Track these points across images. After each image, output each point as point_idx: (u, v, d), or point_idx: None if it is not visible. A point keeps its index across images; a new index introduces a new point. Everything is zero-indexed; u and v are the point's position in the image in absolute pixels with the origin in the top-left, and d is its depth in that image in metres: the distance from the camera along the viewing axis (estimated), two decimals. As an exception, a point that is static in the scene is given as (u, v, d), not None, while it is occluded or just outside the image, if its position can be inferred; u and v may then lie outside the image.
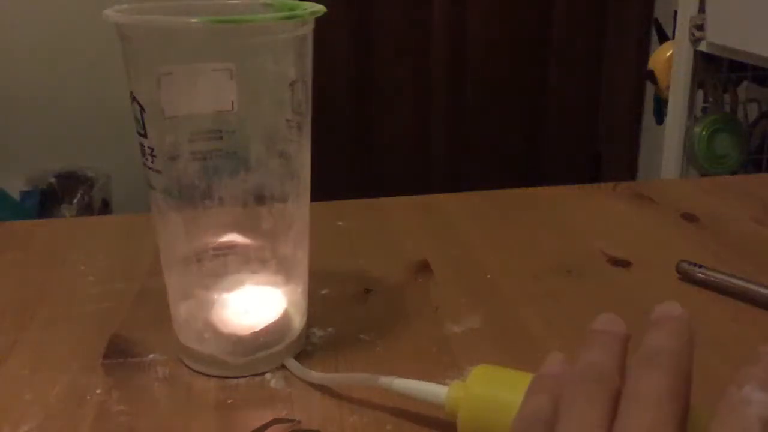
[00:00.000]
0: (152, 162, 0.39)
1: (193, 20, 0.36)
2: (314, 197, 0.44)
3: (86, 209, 1.85)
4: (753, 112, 1.48)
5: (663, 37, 1.64)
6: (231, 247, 0.41)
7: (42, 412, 0.39)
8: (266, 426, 0.37)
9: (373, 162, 2.14)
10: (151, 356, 0.44)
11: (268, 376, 0.42)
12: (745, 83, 1.46)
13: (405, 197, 0.69)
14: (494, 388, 0.34)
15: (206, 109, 0.38)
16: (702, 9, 1.29)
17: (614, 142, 2.18)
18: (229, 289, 0.42)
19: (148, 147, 0.39)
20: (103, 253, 0.58)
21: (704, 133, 1.36)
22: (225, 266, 0.42)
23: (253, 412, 0.39)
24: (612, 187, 0.71)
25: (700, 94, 1.41)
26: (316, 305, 0.47)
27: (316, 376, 0.41)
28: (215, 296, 0.42)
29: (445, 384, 0.37)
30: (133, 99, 0.38)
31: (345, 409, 0.39)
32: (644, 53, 1.97)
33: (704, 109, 1.43)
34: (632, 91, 2.08)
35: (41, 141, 1.93)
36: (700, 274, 0.52)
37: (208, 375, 0.42)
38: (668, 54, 1.45)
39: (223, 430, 0.38)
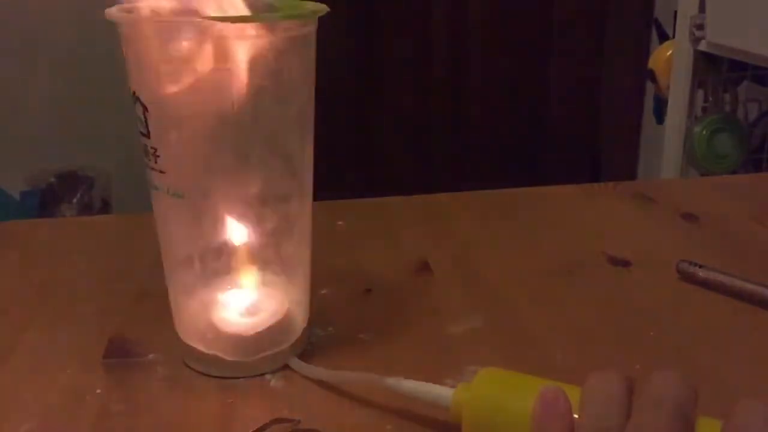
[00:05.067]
0: (155, 162, 0.39)
1: (195, 19, 0.36)
2: (314, 197, 0.44)
3: (86, 209, 1.85)
4: (753, 112, 1.48)
5: (663, 37, 1.64)
6: (233, 246, 0.41)
7: (42, 412, 0.39)
8: (266, 426, 0.37)
9: (373, 162, 2.13)
10: (151, 356, 0.44)
11: (268, 376, 0.42)
12: (745, 83, 1.46)
13: (405, 197, 0.69)
14: (500, 392, 0.34)
15: (208, 109, 0.38)
16: (702, 9, 1.29)
17: (614, 142, 2.18)
18: (231, 289, 0.42)
19: (151, 147, 0.39)
20: (103, 253, 0.58)
21: (704, 132, 1.36)
22: (227, 266, 0.42)
23: (253, 412, 0.39)
24: (612, 187, 0.71)
25: (700, 94, 1.41)
26: (316, 305, 0.47)
27: (322, 373, 0.41)
28: (218, 296, 0.42)
29: (445, 384, 0.37)
30: (136, 99, 0.38)
31: (345, 409, 0.39)
32: (644, 53, 1.97)
33: (704, 109, 1.43)
34: (632, 91, 2.08)
35: (41, 141, 1.93)
36: (700, 274, 0.52)
37: (209, 375, 0.42)
38: (668, 54, 1.45)
39: (223, 430, 0.38)
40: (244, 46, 0.37)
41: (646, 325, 0.47)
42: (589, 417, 0.30)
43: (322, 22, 0.40)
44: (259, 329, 0.42)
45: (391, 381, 0.38)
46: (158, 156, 0.39)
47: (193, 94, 0.38)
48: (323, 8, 0.39)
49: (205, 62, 0.37)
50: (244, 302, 0.42)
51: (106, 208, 1.93)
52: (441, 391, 0.36)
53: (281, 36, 0.38)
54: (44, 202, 1.85)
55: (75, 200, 1.85)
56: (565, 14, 2.10)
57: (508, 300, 0.51)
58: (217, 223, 0.41)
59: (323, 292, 0.51)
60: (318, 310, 0.47)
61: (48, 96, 1.91)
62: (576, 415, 0.31)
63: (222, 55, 0.37)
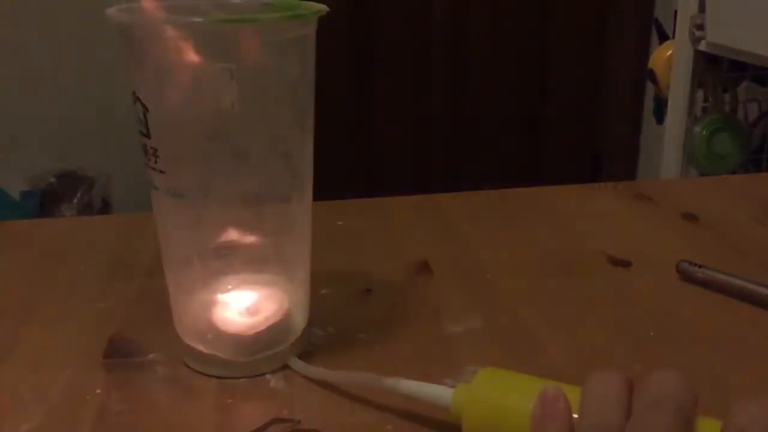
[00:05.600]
0: (155, 162, 0.39)
1: (196, 20, 0.36)
2: (314, 197, 0.44)
3: (86, 209, 1.85)
4: (753, 112, 1.48)
5: (663, 37, 1.64)
6: (233, 246, 0.41)
7: (42, 412, 0.39)
8: (266, 426, 0.38)
9: (373, 162, 2.14)
10: (151, 356, 0.44)
11: (268, 376, 0.42)
12: (745, 83, 1.46)
13: (405, 197, 0.69)
14: (500, 391, 0.34)
15: (208, 109, 0.38)
16: (702, 8, 1.29)
17: (614, 142, 2.18)
18: (231, 289, 0.42)
19: (151, 147, 0.39)
20: (103, 253, 0.58)
21: (704, 133, 1.36)
22: (227, 266, 0.42)
23: (253, 412, 0.39)
24: (612, 187, 0.71)
25: (700, 94, 1.41)
26: (317, 305, 0.47)
27: (321, 373, 0.41)
28: (218, 296, 0.42)
29: (445, 384, 0.37)
30: (136, 99, 0.38)
31: (345, 409, 0.39)
32: (644, 53, 1.97)
33: (704, 109, 1.43)
34: (632, 91, 2.08)
35: (41, 141, 1.93)
36: (700, 274, 0.52)
37: (209, 375, 0.42)
38: (668, 54, 1.45)
39: (223, 430, 0.38)
40: (244, 47, 0.37)
41: (646, 325, 0.47)
42: (589, 417, 0.30)
43: (322, 22, 0.40)
44: (259, 329, 0.42)
45: (391, 381, 0.38)
46: (158, 156, 0.39)
47: (193, 94, 0.38)
48: (323, 8, 0.39)
49: (205, 62, 0.37)
50: (244, 302, 0.42)
51: (106, 208, 1.93)
52: (441, 391, 0.36)
53: (281, 36, 0.38)
54: (44, 202, 1.85)
55: (75, 200, 1.85)
56: (565, 14, 2.10)
57: (508, 300, 0.51)
58: (217, 223, 0.41)
59: (323, 292, 0.51)
60: (318, 310, 0.47)
61: (48, 96, 1.91)
62: (576, 415, 0.31)
63: (222, 55, 0.37)
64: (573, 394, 0.32)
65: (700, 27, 1.29)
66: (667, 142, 1.42)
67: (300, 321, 0.44)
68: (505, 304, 0.50)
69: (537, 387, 0.33)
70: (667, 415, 0.29)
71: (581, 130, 2.21)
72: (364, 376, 0.39)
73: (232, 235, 0.41)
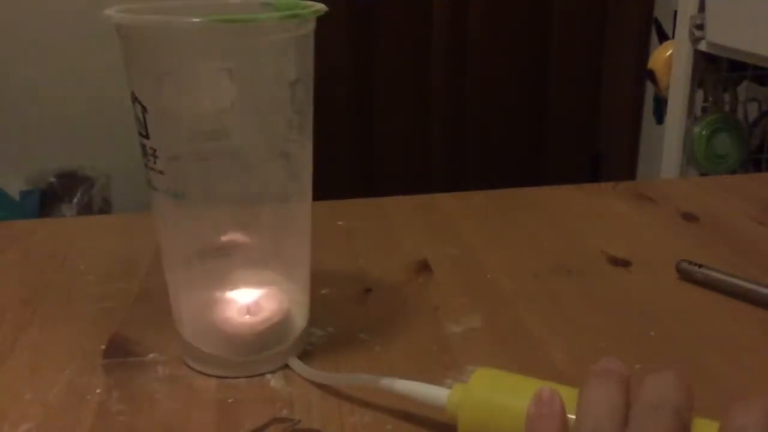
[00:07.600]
0: (154, 162, 0.39)
1: (194, 20, 0.36)
2: (314, 197, 0.44)
3: (86, 209, 1.85)
4: (753, 112, 1.48)
5: (663, 37, 1.64)
6: (233, 246, 0.41)
7: (42, 412, 0.39)
8: (266, 426, 0.38)
9: (373, 162, 2.13)
10: (151, 356, 0.44)
11: (268, 375, 0.42)
12: (745, 83, 1.46)
13: (405, 197, 0.69)
14: (496, 392, 0.34)
15: (207, 109, 0.38)
16: (702, 8, 1.29)
17: (614, 142, 2.18)
18: (231, 289, 0.42)
19: (150, 148, 0.39)
20: (103, 253, 0.58)
21: (704, 133, 1.36)
22: (227, 266, 0.42)
23: (253, 412, 0.39)
24: (612, 187, 0.71)
25: (700, 94, 1.41)
26: (316, 305, 0.47)
27: (319, 375, 0.41)
28: (218, 296, 0.42)
29: (444, 384, 0.37)
30: (135, 99, 0.38)
31: (345, 409, 0.39)
32: (644, 53, 1.97)
33: (704, 109, 1.43)
34: (632, 91, 2.08)
35: (41, 141, 1.93)
36: (700, 274, 0.52)
37: (209, 375, 0.42)
38: (668, 54, 1.45)
39: (223, 430, 0.38)
40: (244, 46, 0.37)
41: (646, 325, 0.47)
42: (586, 423, 0.30)
43: (322, 22, 0.40)
44: (259, 329, 0.42)
45: (387, 381, 0.38)
46: (158, 156, 0.39)
47: (193, 94, 0.38)
48: (323, 8, 0.39)
49: (204, 62, 0.37)
50: (244, 302, 0.42)
51: (106, 208, 1.93)
52: (436, 392, 0.36)
53: (281, 36, 0.38)
54: (44, 202, 1.85)
55: (75, 200, 1.85)
56: (565, 14, 2.10)
57: (508, 300, 0.51)
58: (216, 223, 0.41)
59: (323, 292, 0.51)
60: (318, 310, 0.47)
61: (48, 96, 1.91)
62: (572, 416, 0.31)
63: (222, 55, 0.37)
64: (571, 394, 0.32)
65: (700, 27, 1.29)
66: (667, 142, 1.42)
67: (300, 321, 0.44)
68: (505, 304, 0.50)
69: (532, 387, 0.33)
70: (665, 421, 0.29)
71: (581, 130, 2.21)
72: (361, 377, 0.39)
73: (232, 235, 0.41)
